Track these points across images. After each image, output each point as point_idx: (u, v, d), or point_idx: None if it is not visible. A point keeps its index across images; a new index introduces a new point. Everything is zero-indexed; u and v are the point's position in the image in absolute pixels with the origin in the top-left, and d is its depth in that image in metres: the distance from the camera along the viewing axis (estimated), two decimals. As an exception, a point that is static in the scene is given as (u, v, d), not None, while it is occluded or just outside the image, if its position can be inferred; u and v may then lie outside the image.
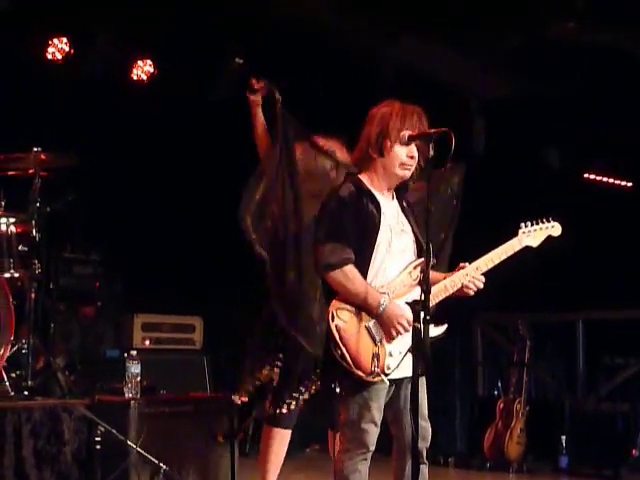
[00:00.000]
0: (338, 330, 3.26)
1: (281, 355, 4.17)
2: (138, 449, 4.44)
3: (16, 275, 5.03)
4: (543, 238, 3.53)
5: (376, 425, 3.32)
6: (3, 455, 4.25)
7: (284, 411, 4.14)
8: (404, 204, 3.54)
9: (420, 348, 3.10)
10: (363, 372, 3.25)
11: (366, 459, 3.34)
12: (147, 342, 6.52)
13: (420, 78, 6.78)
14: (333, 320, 3.27)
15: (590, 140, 7.43)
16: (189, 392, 5.44)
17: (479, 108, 7.50)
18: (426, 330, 3.09)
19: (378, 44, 6.64)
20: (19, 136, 5.46)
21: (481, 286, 3.43)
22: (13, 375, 4.88)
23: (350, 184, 3.43)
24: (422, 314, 3.09)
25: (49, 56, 6.34)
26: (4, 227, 5.04)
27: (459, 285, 3.41)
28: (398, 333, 3.29)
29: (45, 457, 4.39)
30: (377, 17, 6.27)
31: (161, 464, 4.49)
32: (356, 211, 3.35)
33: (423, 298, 3.10)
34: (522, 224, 3.51)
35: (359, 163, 3.50)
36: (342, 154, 4.16)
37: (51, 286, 6.05)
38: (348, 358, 3.24)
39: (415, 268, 3.38)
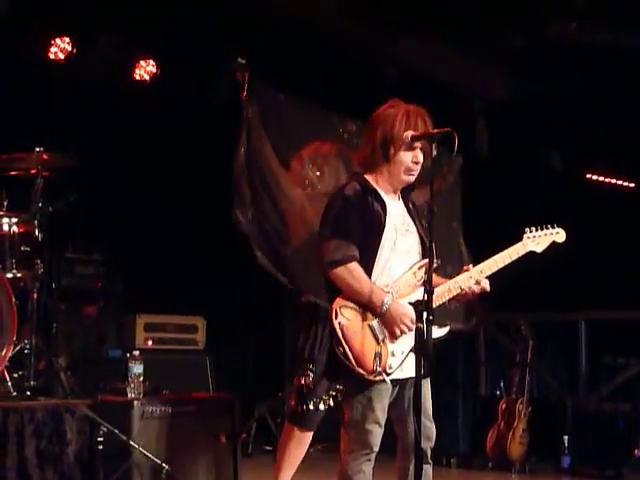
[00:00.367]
0: (341, 328, 3.26)
1: (311, 365, 4.19)
2: (140, 449, 4.44)
3: (18, 275, 5.03)
4: (547, 244, 3.54)
5: (380, 426, 3.32)
6: (6, 455, 4.25)
7: (309, 408, 4.13)
8: (410, 205, 3.54)
9: (422, 348, 3.10)
10: (365, 371, 3.25)
11: (370, 460, 3.34)
12: (150, 342, 6.51)
13: (420, 78, 6.78)
14: (336, 318, 3.28)
15: (591, 140, 7.42)
16: (192, 392, 5.43)
17: (479, 109, 7.50)
18: (429, 330, 3.09)
19: (378, 44, 6.63)
20: (21, 136, 5.46)
21: (487, 289, 3.44)
22: (15, 375, 4.88)
23: (355, 183, 3.43)
24: (425, 314, 3.10)
25: (51, 56, 6.34)
26: (6, 227, 5.05)
27: (463, 287, 3.41)
28: (402, 332, 3.29)
29: (48, 457, 4.39)
30: (377, 17, 6.27)
31: (163, 464, 4.49)
32: (361, 210, 3.36)
33: (426, 298, 3.11)
34: (527, 229, 3.52)
35: (364, 164, 3.51)
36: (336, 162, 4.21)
37: (53, 286, 6.04)
38: (350, 356, 3.25)
39: (420, 268, 3.39)
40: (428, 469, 3.39)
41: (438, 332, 3.36)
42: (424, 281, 3.25)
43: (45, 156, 5.12)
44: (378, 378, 3.27)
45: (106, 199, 6.64)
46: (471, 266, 3.45)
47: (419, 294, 3.24)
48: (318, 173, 4.29)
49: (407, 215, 3.50)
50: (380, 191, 3.44)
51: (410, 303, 3.30)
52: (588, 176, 8.24)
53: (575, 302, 7.31)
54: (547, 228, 3.55)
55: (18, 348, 4.91)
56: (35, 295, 5.03)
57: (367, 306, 3.30)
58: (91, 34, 6.42)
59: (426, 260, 3.33)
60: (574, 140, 7.69)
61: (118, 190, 6.76)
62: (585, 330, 7.42)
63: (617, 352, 7.16)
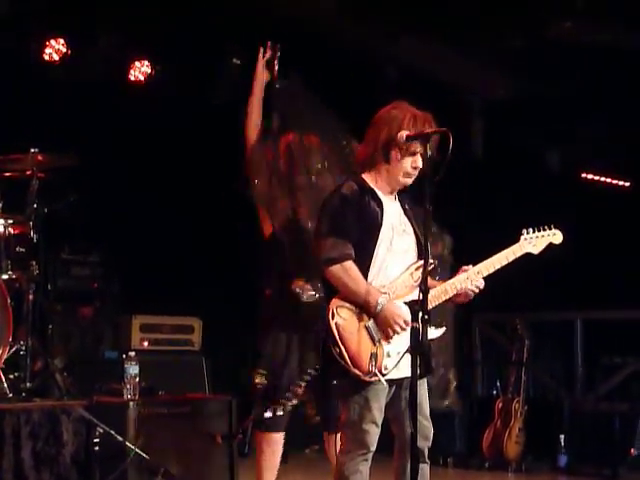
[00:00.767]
0: (337, 328, 3.27)
1: (265, 364, 4.14)
2: (137, 450, 4.44)
3: (14, 276, 5.02)
4: (544, 245, 3.54)
5: (377, 426, 3.32)
6: (2, 457, 4.24)
7: (269, 415, 4.11)
8: (406, 207, 3.55)
9: (418, 348, 3.10)
10: (361, 371, 3.25)
11: (367, 460, 3.34)
12: (146, 343, 6.51)
13: (420, 78, 6.78)
14: (333, 318, 3.28)
15: (590, 140, 7.43)
16: (187, 393, 5.44)
17: (479, 109, 7.51)
18: (424, 330, 3.09)
19: (378, 44, 6.64)
20: (17, 137, 5.46)
21: (481, 286, 3.44)
22: (11, 377, 4.87)
23: (353, 182, 3.44)
24: (420, 314, 3.10)
25: (46, 57, 6.34)
26: (2, 228, 5.03)
27: (459, 288, 3.41)
28: (395, 332, 3.29)
29: (44, 459, 4.38)
30: (377, 17, 6.27)
31: (160, 465, 4.49)
32: (358, 208, 3.37)
33: (421, 298, 3.11)
34: (524, 230, 3.52)
35: (364, 163, 3.51)
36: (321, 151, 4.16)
37: (49, 287, 6.03)
38: (346, 357, 3.24)
39: (417, 269, 3.39)
40: (425, 468, 3.39)
41: (435, 332, 3.36)
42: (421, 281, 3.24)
43: (40, 157, 5.11)
44: (374, 379, 3.27)
45: (102, 200, 6.64)
46: (470, 266, 3.45)
47: (416, 295, 3.23)
48: (319, 165, 4.24)
49: (404, 216, 3.51)
50: (377, 191, 3.45)
51: (406, 303, 3.30)
52: (583, 175, 8.24)
53: (571, 301, 7.32)
54: (544, 229, 3.55)
55: (14, 349, 4.90)
56: (31, 296, 5.02)
57: (363, 306, 3.30)
58: (88, 35, 6.43)
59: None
60: (572, 140, 7.70)
61: (114, 191, 6.76)
62: (582, 329, 7.43)
63: (614, 351, 7.16)
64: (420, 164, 3.41)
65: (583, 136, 7.46)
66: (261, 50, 4.44)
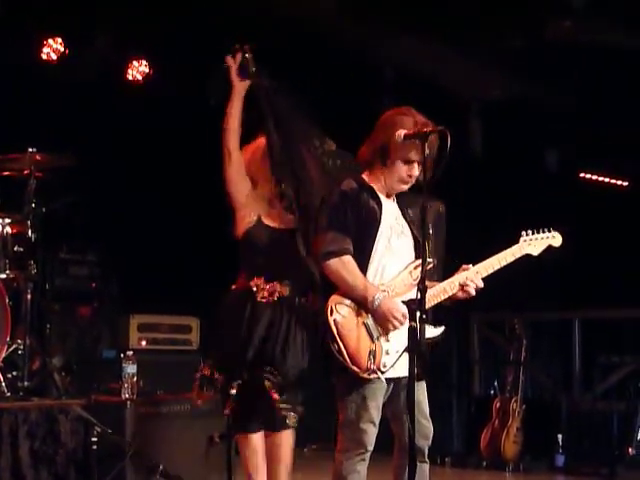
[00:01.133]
0: (336, 324, 3.26)
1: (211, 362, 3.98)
2: (135, 449, 4.44)
3: (12, 276, 5.03)
4: (544, 247, 3.54)
5: (374, 425, 3.31)
6: (0, 456, 4.25)
7: (227, 412, 4.00)
8: (404, 209, 3.55)
9: (416, 347, 3.10)
10: (359, 369, 3.25)
11: (364, 459, 3.33)
12: (143, 343, 6.49)
13: (420, 78, 6.78)
14: (332, 314, 3.27)
15: (589, 140, 7.43)
16: (185, 392, 5.43)
17: (477, 108, 7.51)
18: (422, 329, 3.09)
19: (378, 44, 6.64)
20: (15, 136, 5.46)
21: (481, 285, 3.44)
22: (9, 376, 4.88)
23: (352, 180, 3.46)
24: (418, 313, 3.10)
25: (44, 56, 6.34)
26: (-1, 228, 5.04)
27: (458, 287, 3.41)
28: (394, 327, 3.28)
29: (42, 458, 4.39)
30: (377, 17, 6.27)
31: (157, 464, 4.49)
32: (357, 205, 3.38)
33: (419, 297, 3.11)
34: (523, 232, 3.52)
35: (363, 162, 3.53)
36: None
37: (47, 287, 6.04)
38: (345, 353, 3.24)
39: (416, 268, 3.37)
40: (425, 467, 3.39)
41: (433, 331, 3.35)
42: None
43: (38, 157, 5.11)
44: (372, 376, 3.26)
45: (100, 199, 6.64)
46: (471, 266, 3.45)
47: (414, 293, 3.24)
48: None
49: (402, 217, 3.51)
50: (376, 190, 3.46)
51: (403, 302, 3.30)
52: (582, 175, 8.25)
53: (569, 301, 7.32)
54: (544, 231, 3.55)
55: (12, 349, 4.91)
56: (29, 296, 5.03)
57: (361, 302, 3.29)
58: (86, 34, 6.43)
59: (423, 259, 3.34)
60: (571, 140, 7.70)
61: (112, 191, 6.76)
62: (579, 329, 7.43)
63: (611, 351, 7.17)
64: (416, 173, 3.41)
65: (582, 136, 7.46)
66: (229, 58, 4.25)
